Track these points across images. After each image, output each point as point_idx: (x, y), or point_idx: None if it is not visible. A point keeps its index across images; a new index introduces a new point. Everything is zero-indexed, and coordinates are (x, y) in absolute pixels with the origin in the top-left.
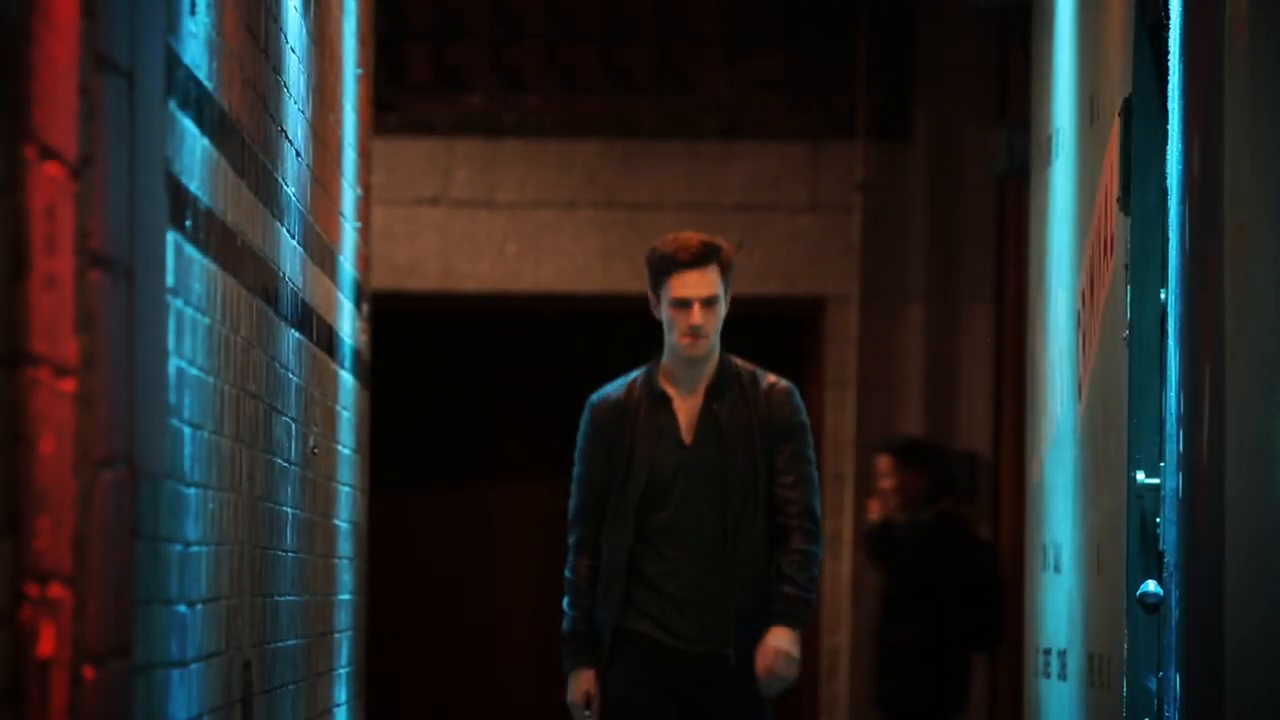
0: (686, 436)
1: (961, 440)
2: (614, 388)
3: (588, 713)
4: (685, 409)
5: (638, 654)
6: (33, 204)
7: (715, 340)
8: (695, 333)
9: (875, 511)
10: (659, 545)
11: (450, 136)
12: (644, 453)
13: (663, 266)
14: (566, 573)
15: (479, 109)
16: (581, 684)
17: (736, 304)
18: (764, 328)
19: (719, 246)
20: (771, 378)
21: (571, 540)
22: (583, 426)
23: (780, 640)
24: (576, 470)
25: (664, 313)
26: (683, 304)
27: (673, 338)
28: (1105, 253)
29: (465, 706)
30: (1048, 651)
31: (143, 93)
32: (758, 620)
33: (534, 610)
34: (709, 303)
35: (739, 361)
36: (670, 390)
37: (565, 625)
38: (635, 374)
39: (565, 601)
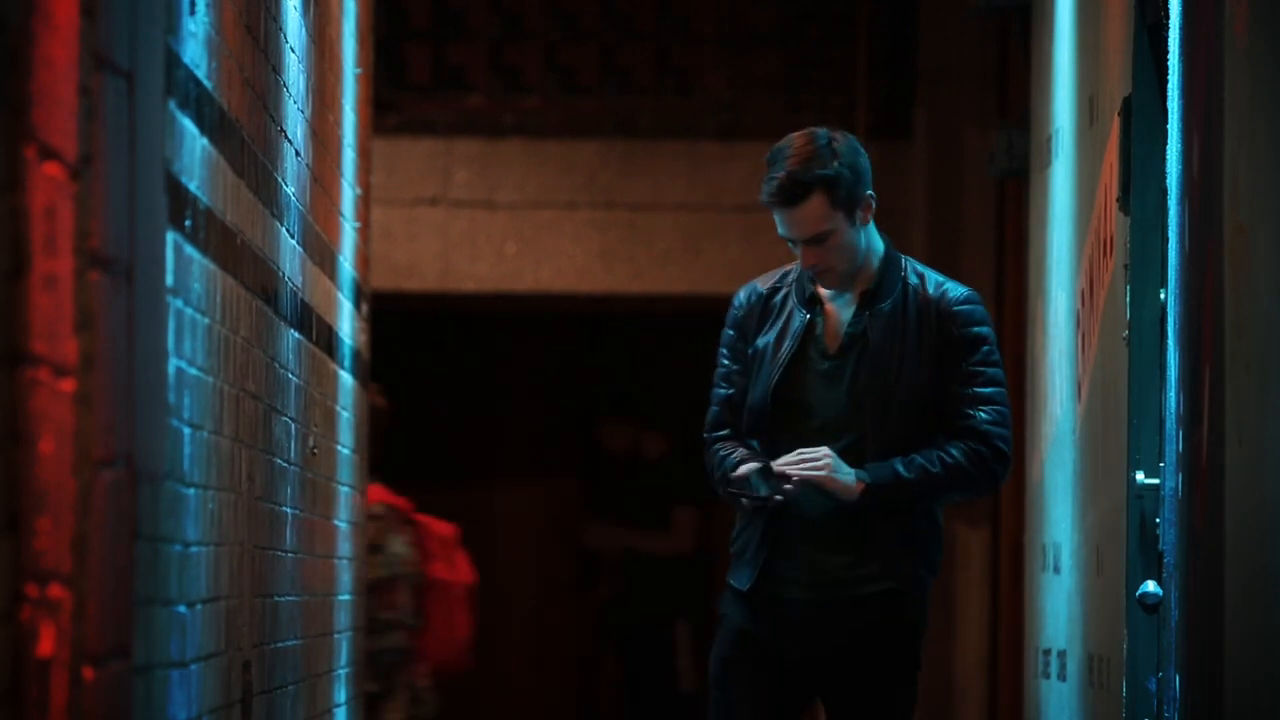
0: (831, 344)
1: None
2: (767, 276)
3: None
4: (835, 311)
5: (757, 618)
6: (33, 204)
7: (857, 250)
8: (814, 270)
9: None
10: None
11: (450, 136)
12: (779, 358)
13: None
14: (711, 453)
15: (479, 109)
16: (748, 459)
17: None
18: None
19: (817, 177)
20: (942, 285)
21: (708, 453)
22: (727, 320)
23: (848, 473)
24: (716, 373)
25: None
26: (790, 241)
27: None
28: (1105, 253)
29: (464, 704)
30: (1048, 651)
31: (142, 93)
32: (916, 580)
33: (534, 609)
34: (817, 240)
35: (909, 261)
36: (822, 290)
37: (720, 471)
38: (794, 265)
39: (716, 470)
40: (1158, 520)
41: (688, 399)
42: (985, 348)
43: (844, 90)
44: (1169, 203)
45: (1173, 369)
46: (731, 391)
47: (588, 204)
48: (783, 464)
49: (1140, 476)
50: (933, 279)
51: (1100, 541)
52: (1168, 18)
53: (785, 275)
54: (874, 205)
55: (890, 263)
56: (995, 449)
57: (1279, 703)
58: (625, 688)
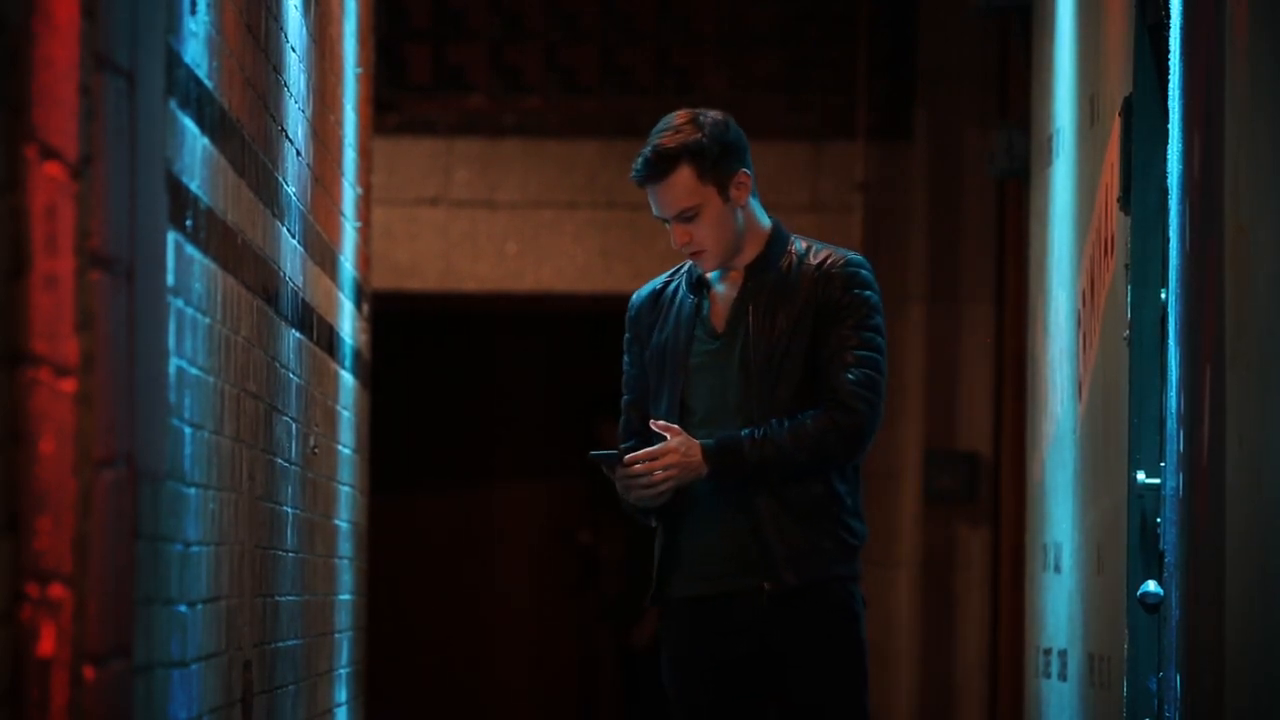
0: (718, 324)
1: (961, 440)
2: (660, 277)
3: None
4: (722, 292)
5: (679, 626)
6: (33, 204)
7: (732, 229)
8: (688, 250)
9: None
10: None
11: (450, 136)
12: (673, 349)
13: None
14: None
15: (479, 109)
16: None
17: None
18: None
19: (682, 147)
20: (828, 252)
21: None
22: (625, 323)
23: (694, 448)
24: (622, 380)
25: None
26: (665, 222)
27: None
28: (1105, 252)
29: (465, 704)
30: (1048, 651)
31: (143, 92)
32: (815, 551)
33: (534, 608)
34: (685, 217)
35: (799, 238)
36: (711, 275)
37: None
38: (688, 260)
39: None
40: (1158, 520)
41: None
42: (864, 312)
43: (844, 90)
44: (1169, 203)
45: (1173, 369)
46: (631, 396)
47: (588, 204)
48: (632, 459)
49: (1141, 476)
50: (820, 248)
51: (1101, 541)
52: (1168, 18)
53: (678, 270)
54: (751, 185)
55: (777, 239)
56: (855, 416)
57: (1279, 703)
58: (625, 688)
